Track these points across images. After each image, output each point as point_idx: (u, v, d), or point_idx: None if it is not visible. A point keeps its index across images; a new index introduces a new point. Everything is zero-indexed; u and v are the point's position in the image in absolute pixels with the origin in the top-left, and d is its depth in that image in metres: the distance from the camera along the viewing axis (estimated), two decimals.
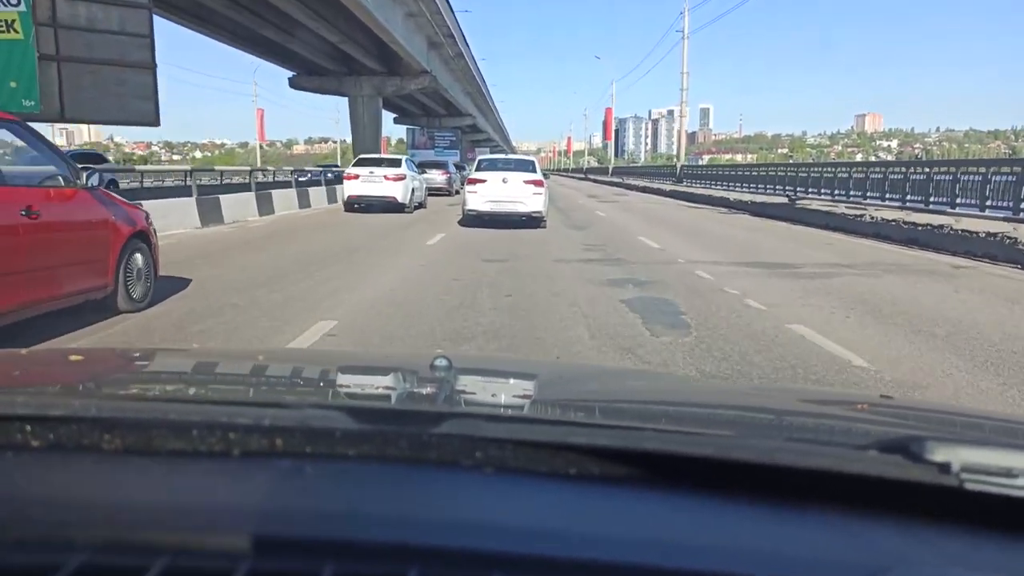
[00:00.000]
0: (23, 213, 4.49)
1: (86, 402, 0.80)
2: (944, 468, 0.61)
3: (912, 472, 0.62)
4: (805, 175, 22.89)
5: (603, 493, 0.65)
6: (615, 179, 53.35)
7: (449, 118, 61.55)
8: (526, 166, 15.33)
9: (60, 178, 5.13)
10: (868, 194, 17.43)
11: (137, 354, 1.76)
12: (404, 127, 63.96)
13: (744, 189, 27.63)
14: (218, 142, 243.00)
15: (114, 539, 0.56)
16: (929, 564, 0.57)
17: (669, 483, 0.65)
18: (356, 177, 18.43)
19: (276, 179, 31.14)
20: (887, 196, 16.50)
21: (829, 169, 20.88)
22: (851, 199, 17.44)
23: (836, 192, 18.51)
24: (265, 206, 17.19)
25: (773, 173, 26.51)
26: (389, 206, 17.97)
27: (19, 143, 5.00)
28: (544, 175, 16.08)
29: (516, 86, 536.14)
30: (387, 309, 6.02)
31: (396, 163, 19.25)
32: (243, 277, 7.65)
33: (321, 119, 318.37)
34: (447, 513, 0.61)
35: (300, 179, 24.06)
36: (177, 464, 0.68)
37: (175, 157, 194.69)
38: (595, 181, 59.98)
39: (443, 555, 0.54)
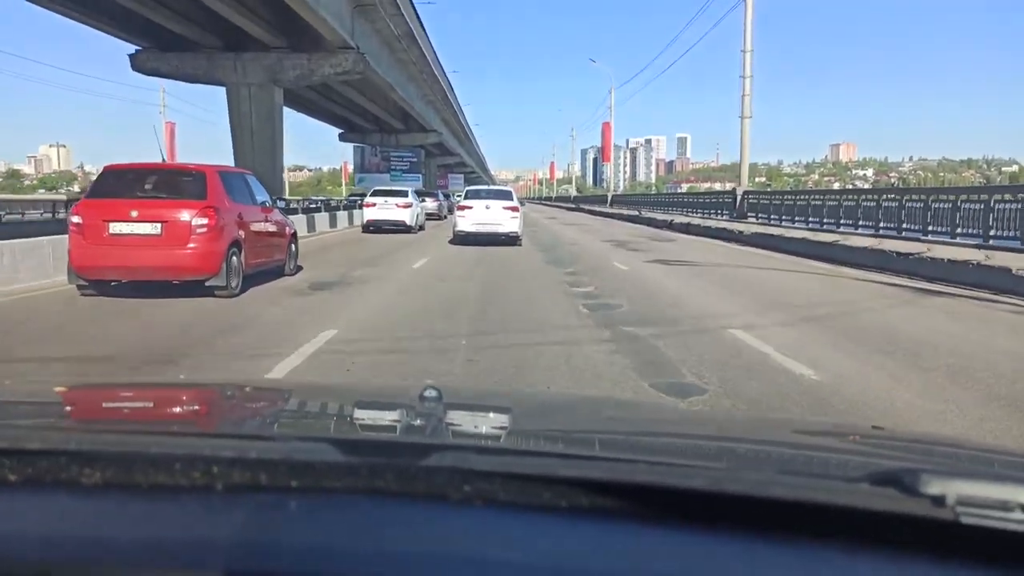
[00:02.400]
0: (263, 217, 9.33)
1: (65, 435, 0.76)
2: (939, 501, 0.58)
3: (906, 505, 0.59)
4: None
5: (594, 527, 0.61)
6: (624, 211, 38.45)
7: (408, 134, 46.80)
8: (505, 195, 17.93)
9: (266, 202, 9.72)
10: None
11: (119, 386, 1.77)
12: (352, 145, 48.83)
13: (899, 230, 13.19)
14: None
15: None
16: None
17: (660, 516, 0.62)
18: (373, 205, 21.77)
19: None
20: None
21: None
22: None
23: None
24: None
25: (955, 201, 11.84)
26: (399, 228, 21.20)
27: (253, 183, 9.50)
28: (520, 202, 18.76)
29: (493, 114, 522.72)
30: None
31: (404, 194, 22.49)
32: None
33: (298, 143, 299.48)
34: (436, 547, 0.58)
35: None
36: (159, 498, 0.64)
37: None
38: (592, 212, 45.08)
39: None
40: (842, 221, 16.69)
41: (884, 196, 15.41)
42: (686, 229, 23.75)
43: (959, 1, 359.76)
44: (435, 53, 37.51)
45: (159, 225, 7.60)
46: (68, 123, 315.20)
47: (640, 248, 16.74)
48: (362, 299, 8.27)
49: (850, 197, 16.79)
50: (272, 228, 9.62)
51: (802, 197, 19.68)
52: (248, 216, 8.71)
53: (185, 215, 7.64)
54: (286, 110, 42.75)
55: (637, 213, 33.60)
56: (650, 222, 29.05)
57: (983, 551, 0.57)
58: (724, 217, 24.05)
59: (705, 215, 26.15)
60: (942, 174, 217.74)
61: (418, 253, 14.30)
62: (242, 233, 8.34)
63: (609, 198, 48.85)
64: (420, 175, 47.21)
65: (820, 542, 0.59)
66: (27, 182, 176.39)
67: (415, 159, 47.67)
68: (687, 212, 29.19)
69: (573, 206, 58.67)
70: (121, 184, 8.01)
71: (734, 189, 24.36)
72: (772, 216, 20.99)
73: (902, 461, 0.94)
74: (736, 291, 9.17)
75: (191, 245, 7.59)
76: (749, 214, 22.82)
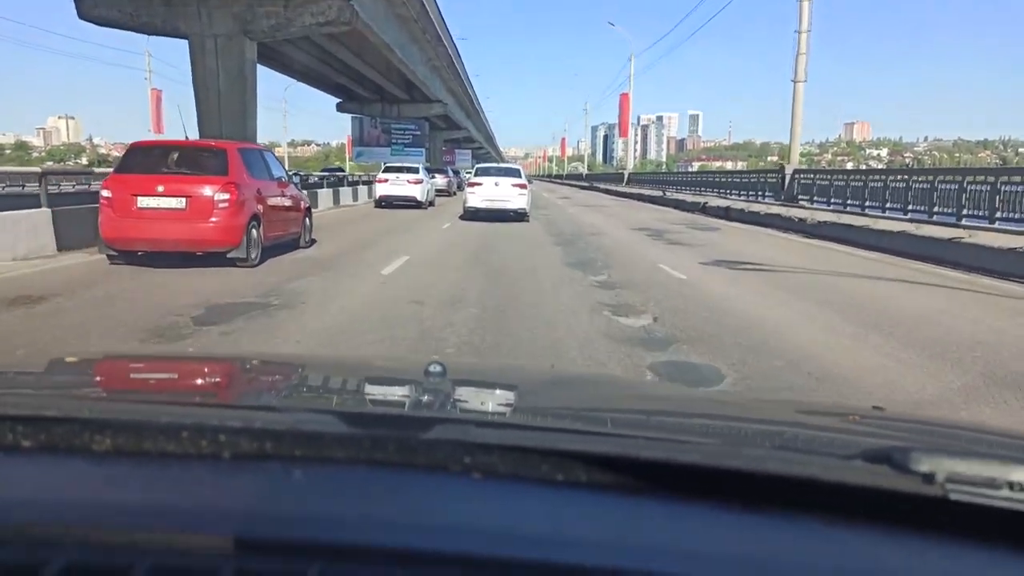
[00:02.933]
0: (281, 191, 9.57)
1: (78, 403, 0.77)
2: (928, 478, 0.59)
3: (897, 482, 0.60)
4: None
5: (591, 499, 0.62)
6: (644, 191, 34.55)
7: (411, 104, 42.87)
8: (514, 173, 17.90)
9: (282, 177, 9.99)
10: None
11: (131, 357, 1.80)
12: (351, 116, 44.90)
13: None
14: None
15: (100, 539, 0.55)
16: (914, 573, 0.56)
17: (657, 490, 0.62)
18: (386, 181, 22.14)
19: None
20: None
21: None
22: None
23: None
24: None
25: None
26: (410, 203, 21.47)
27: (270, 159, 9.80)
28: (528, 180, 18.53)
29: (502, 90, 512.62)
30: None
31: (415, 170, 22.70)
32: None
33: (303, 118, 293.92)
34: (435, 517, 0.59)
35: None
36: (167, 465, 0.65)
37: None
38: (607, 192, 41.24)
39: (430, 559, 0.53)
40: (936, 209, 13.07)
41: (1003, 178, 11.71)
42: (725, 214, 20.07)
43: None
44: (440, 13, 33.56)
45: (184, 200, 7.93)
46: (76, 95, 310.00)
47: (683, 241, 13.12)
48: (270, 349, 4.77)
49: (949, 178, 13.06)
50: (288, 203, 9.89)
51: (876, 177, 15.93)
52: (266, 191, 9.01)
53: (208, 190, 7.98)
54: (280, 77, 39.02)
55: (661, 194, 29.77)
56: (678, 204, 25.35)
57: (972, 527, 0.57)
58: (769, 200, 20.32)
59: (744, 198, 22.39)
60: (958, 155, 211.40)
61: (400, 246, 10.82)
62: (261, 207, 8.66)
63: (626, 176, 44.91)
64: (424, 149, 43.39)
65: (813, 517, 0.59)
66: (35, 154, 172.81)
67: (418, 132, 43.85)
68: (720, 193, 25.42)
69: (586, 184, 54.73)
70: (147, 160, 8.38)
71: (782, 167, 20.59)
72: (832, 200, 17.28)
73: (896, 440, 0.94)
74: (885, 330, 5.54)
75: (214, 219, 7.93)
76: (800, 197, 19.12)
